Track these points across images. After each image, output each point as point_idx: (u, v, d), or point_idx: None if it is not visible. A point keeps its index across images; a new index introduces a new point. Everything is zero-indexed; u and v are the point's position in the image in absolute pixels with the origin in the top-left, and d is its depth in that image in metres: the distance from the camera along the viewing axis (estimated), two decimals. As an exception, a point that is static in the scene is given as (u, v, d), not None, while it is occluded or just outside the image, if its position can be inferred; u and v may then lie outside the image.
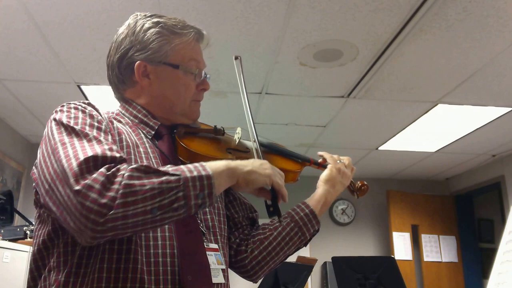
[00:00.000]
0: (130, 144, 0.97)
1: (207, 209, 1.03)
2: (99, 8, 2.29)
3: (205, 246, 0.98)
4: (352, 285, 2.67)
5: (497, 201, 5.19)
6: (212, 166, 0.87)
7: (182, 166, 0.85)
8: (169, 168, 0.84)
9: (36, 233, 0.94)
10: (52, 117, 0.93)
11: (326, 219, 5.54)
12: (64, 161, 0.81)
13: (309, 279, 4.56)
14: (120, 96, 1.13)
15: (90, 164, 0.79)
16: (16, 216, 3.15)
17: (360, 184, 1.32)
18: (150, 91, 1.08)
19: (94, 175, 0.77)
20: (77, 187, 0.76)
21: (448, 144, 4.28)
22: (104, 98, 3.30)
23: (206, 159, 1.05)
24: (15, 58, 2.78)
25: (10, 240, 2.75)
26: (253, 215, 1.23)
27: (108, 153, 0.83)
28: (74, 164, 0.79)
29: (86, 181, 0.77)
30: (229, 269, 1.11)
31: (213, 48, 2.64)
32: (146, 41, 1.06)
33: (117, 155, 0.84)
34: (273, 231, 1.15)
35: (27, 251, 2.74)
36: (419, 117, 3.66)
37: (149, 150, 1.00)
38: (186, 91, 1.08)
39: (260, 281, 3.00)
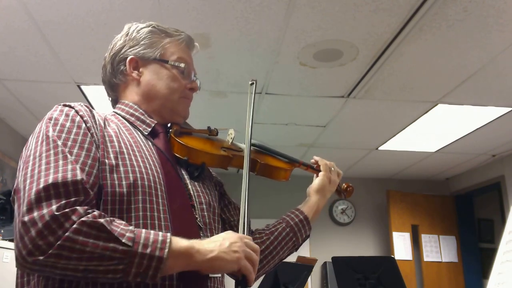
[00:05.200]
0: (123, 146, 0.98)
1: (204, 206, 1.05)
2: (99, 8, 2.29)
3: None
4: (352, 285, 2.67)
5: (497, 201, 5.19)
6: (175, 245, 0.82)
7: (143, 233, 0.81)
8: (128, 231, 0.80)
9: None
10: (43, 120, 0.95)
11: (326, 219, 5.55)
12: (27, 182, 0.82)
13: (309, 279, 4.57)
14: (114, 95, 1.17)
15: (50, 192, 0.80)
16: (16, 216, 3.15)
17: (345, 186, 1.41)
18: (141, 85, 1.12)
19: (44, 211, 0.77)
20: (24, 218, 0.77)
21: (448, 144, 4.28)
22: (104, 98, 3.30)
23: (203, 154, 1.09)
24: (15, 58, 2.78)
25: (10, 240, 2.75)
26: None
27: (69, 178, 0.82)
28: (33, 190, 0.80)
29: (33, 215, 0.77)
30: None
31: (213, 48, 2.64)
32: (138, 38, 1.12)
33: (79, 177, 0.83)
34: (270, 235, 1.18)
35: (27, 251, 2.73)
36: (419, 117, 3.66)
37: (143, 148, 1.01)
38: (175, 85, 1.12)
39: (260, 281, 3.00)
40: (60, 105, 0.98)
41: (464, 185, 5.41)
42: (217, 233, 1.08)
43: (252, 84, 1.17)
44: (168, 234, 0.83)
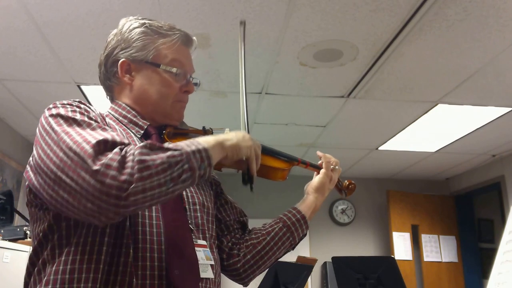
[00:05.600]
0: None
1: (197, 207, 1.05)
2: (99, 8, 2.29)
3: (194, 242, 0.99)
4: (352, 285, 2.67)
5: (497, 201, 5.20)
6: (204, 140, 0.92)
7: (178, 143, 0.89)
8: (170, 145, 0.87)
9: (33, 234, 0.95)
10: (45, 114, 0.93)
11: (326, 219, 5.55)
12: (74, 146, 0.81)
13: (309, 279, 4.57)
14: (110, 96, 1.16)
15: (102, 146, 0.81)
16: (16, 216, 3.14)
17: (347, 183, 1.37)
18: (133, 89, 1.10)
19: (110, 155, 0.80)
20: (95, 167, 0.78)
21: (448, 144, 4.28)
22: (104, 98, 3.30)
23: None
24: (15, 58, 2.78)
25: (10, 240, 2.75)
26: (243, 219, 1.25)
27: (117, 138, 0.85)
28: (87, 147, 0.80)
29: (103, 161, 0.79)
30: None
31: (213, 48, 2.64)
32: (130, 40, 1.09)
33: (125, 140, 0.86)
34: (266, 235, 1.18)
35: (27, 251, 2.73)
36: (419, 117, 3.66)
37: None
38: (167, 90, 1.09)
39: (260, 281, 3.00)
40: (58, 101, 0.97)
41: (464, 185, 5.41)
42: (211, 234, 1.08)
43: (241, 24, 1.15)
44: (193, 139, 0.92)
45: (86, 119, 0.90)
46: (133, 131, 1.07)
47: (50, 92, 3.25)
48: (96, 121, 0.92)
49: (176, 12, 2.30)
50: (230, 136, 0.98)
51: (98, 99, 3.35)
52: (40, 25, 2.44)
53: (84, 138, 0.83)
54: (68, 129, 0.86)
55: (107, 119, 1.06)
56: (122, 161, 0.80)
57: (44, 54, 2.73)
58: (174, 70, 1.09)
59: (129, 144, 0.85)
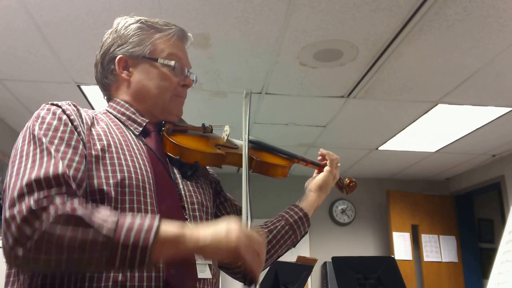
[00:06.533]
0: (112, 144, 0.96)
1: (196, 207, 1.03)
2: (99, 8, 2.29)
3: None
4: (352, 285, 2.67)
5: (497, 201, 5.19)
6: (162, 232, 0.78)
7: (127, 221, 0.77)
8: (110, 221, 0.77)
9: None
10: (30, 119, 0.95)
11: (326, 219, 5.55)
12: (12, 180, 0.82)
13: (309, 279, 4.57)
14: (107, 94, 1.15)
15: (32, 187, 0.79)
16: (16, 216, 3.15)
17: (348, 181, 1.36)
18: (131, 85, 1.09)
19: (22, 206, 0.76)
20: (5, 215, 0.77)
21: (448, 144, 4.28)
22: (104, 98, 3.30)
23: (196, 153, 1.06)
24: (15, 58, 2.78)
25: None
26: None
27: (51, 172, 0.81)
28: (17, 187, 0.79)
29: (13, 210, 0.76)
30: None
31: (213, 48, 2.64)
32: (126, 36, 1.09)
33: (60, 171, 0.82)
34: (269, 234, 1.17)
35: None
36: (419, 117, 3.66)
37: (134, 147, 1.00)
38: (166, 84, 1.09)
39: (260, 281, 3.00)
40: (47, 104, 0.97)
41: (464, 185, 5.41)
42: None
43: (246, 96, 1.10)
44: (156, 220, 0.78)
45: (45, 141, 0.87)
46: (131, 128, 1.06)
47: (50, 92, 3.25)
48: (62, 139, 0.89)
49: (176, 12, 2.30)
50: (207, 234, 0.80)
51: (98, 99, 3.35)
52: (40, 25, 2.44)
53: (23, 174, 0.81)
54: (24, 153, 0.87)
55: (103, 117, 1.05)
56: (29, 218, 0.75)
57: (44, 54, 2.73)
58: (172, 63, 1.09)
59: (68, 183, 0.81)
